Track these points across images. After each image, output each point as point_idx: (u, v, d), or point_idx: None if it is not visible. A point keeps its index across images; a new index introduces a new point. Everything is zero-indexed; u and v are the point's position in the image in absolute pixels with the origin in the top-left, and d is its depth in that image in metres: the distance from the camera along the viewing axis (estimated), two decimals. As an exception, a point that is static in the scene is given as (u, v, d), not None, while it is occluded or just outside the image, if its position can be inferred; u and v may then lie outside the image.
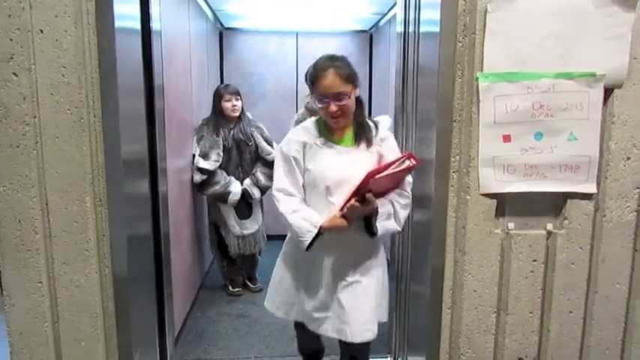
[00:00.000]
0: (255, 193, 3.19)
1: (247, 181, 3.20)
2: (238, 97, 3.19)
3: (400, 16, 2.02)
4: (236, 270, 3.40)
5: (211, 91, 3.32)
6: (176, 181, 2.61)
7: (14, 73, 1.50)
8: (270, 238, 3.46)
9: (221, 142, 3.09)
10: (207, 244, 3.50)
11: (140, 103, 1.83)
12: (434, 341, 1.78)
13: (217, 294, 3.38)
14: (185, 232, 2.98)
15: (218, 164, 3.06)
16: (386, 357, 2.37)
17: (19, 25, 1.49)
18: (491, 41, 1.56)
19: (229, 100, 3.15)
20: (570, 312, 1.75)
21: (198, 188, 3.09)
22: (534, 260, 1.72)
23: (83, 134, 1.56)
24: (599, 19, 1.56)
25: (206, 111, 3.30)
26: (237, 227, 3.23)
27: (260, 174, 3.23)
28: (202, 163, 2.99)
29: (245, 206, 3.25)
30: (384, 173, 1.55)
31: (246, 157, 3.24)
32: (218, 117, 3.17)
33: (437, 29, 1.60)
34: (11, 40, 1.49)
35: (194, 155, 3.04)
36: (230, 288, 3.40)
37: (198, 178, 3.02)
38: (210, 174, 3.02)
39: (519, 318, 1.75)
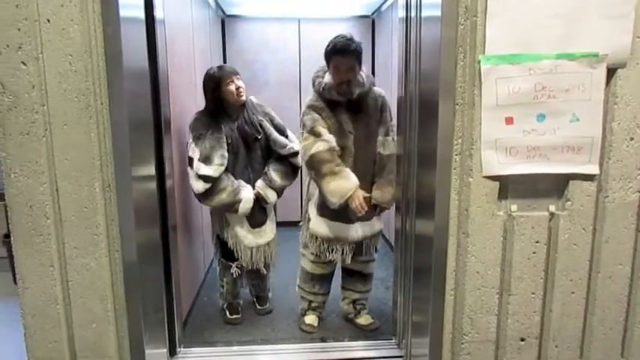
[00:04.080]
0: (270, 196, 2.63)
1: (259, 182, 2.63)
2: (239, 77, 2.57)
3: (402, 1, 2.02)
4: (235, 293, 2.92)
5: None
6: (181, 167, 2.64)
7: (23, 62, 1.53)
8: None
9: (224, 139, 2.48)
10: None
11: (146, 90, 1.85)
12: (437, 322, 1.81)
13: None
14: (192, 217, 3.01)
15: (223, 168, 2.47)
16: (391, 339, 2.41)
17: (26, 15, 1.51)
18: (492, 23, 1.56)
19: (231, 83, 2.51)
20: (573, 292, 1.77)
21: (201, 199, 2.51)
22: (537, 241, 1.73)
23: (91, 121, 1.59)
24: (602, -1, 1.55)
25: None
26: (251, 237, 2.66)
27: (273, 172, 2.65)
28: (204, 169, 2.41)
29: (259, 212, 2.67)
30: None
31: (256, 154, 2.65)
32: (218, 108, 2.54)
33: (438, 13, 1.60)
34: (19, 29, 1.51)
35: (192, 159, 2.46)
36: (227, 314, 2.86)
37: (200, 187, 2.43)
38: (214, 181, 2.46)
39: (522, 298, 1.77)
